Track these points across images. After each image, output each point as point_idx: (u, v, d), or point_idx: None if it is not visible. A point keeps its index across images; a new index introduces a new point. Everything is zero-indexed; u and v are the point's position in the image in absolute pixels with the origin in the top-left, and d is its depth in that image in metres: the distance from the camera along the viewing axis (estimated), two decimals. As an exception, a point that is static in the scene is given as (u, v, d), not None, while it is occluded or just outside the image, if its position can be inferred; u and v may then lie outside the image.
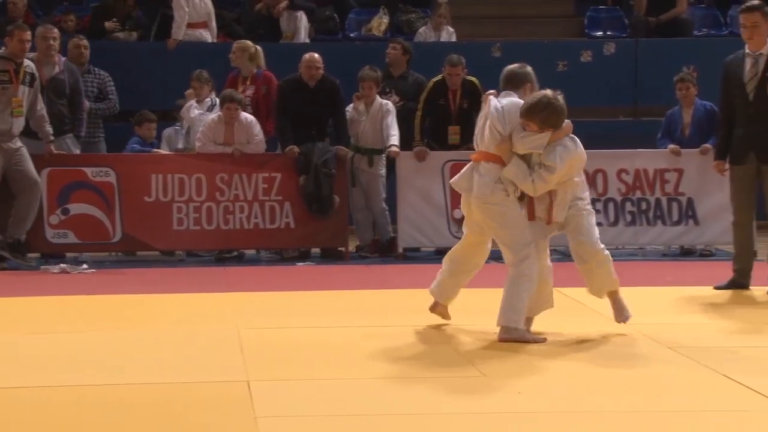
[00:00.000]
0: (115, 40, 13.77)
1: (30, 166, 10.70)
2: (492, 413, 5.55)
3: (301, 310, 8.41)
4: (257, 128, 11.34)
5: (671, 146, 11.30)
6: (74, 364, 6.62)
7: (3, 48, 10.87)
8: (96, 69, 11.97)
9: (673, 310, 7.64)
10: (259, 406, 5.62)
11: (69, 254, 11.28)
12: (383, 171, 11.54)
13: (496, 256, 7.76)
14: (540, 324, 7.43)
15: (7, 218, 10.68)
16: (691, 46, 13.80)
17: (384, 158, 11.47)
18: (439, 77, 11.49)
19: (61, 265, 10.60)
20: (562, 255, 11.52)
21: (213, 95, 11.81)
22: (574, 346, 7.03)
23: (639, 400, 5.80)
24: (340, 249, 11.42)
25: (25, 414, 5.57)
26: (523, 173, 7.06)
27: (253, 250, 11.72)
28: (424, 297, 8.92)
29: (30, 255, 10.90)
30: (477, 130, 7.38)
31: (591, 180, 11.29)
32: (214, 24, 13.72)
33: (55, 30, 11.52)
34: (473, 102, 11.48)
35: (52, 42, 11.19)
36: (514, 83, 7.35)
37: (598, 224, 11.19)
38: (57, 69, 11.22)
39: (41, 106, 10.79)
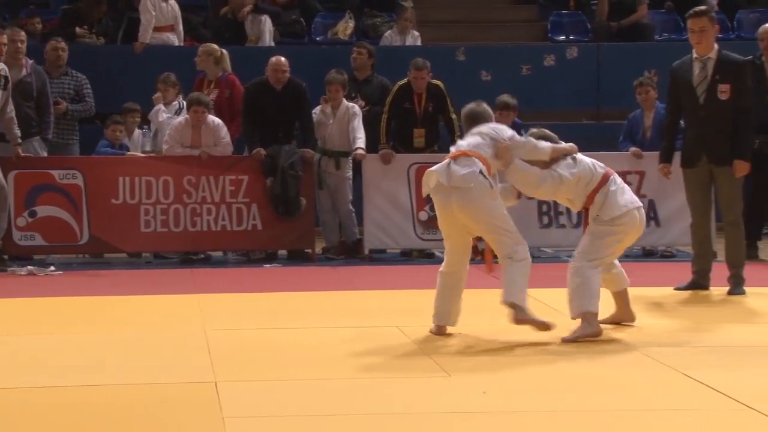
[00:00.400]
0: (82, 44, 13.70)
1: (-4, 170, 10.63)
2: (456, 413, 5.56)
3: (268, 311, 8.40)
4: (224, 131, 11.31)
5: (633, 149, 11.36)
6: (41, 366, 6.58)
7: None
8: (73, 71, 11.90)
9: (635, 310, 7.67)
10: (227, 406, 5.61)
11: (36, 256, 11.20)
12: (350, 173, 11.54)
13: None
14: (503, 324, 7.46)
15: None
16: (652, 51, 13.87)
17: (350, 161, 11.47)
18: (405, 81, 11.50)
19: (29, 267, 10.53)
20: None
21: (180, 98, 11.77)
22: (539, 346, 7.05)
23: (601, 398, 5.83)
24: (306, 251, 11.41)
25: (-7, 416, 5.53)
26: (530, 179, 7.18)
27: (220, 252, 11.69)
28: (390, 298, 8.95)
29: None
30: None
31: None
32: (180, 27, 13.67)
33: (23, 33, 11.45)
34: (438, 105, 11.51)
35: (19, 45, 11.12)
36: (478, 121, 7.39)
37: (562, 226, 11.45)
38: (24, 72, 11.15)
39: (11, 108, 10.72)
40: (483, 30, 15.16)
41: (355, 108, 11.49)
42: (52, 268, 10.58)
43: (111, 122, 11.79)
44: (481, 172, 7.10)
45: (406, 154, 11.46)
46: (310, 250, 11.39)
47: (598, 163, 7.39)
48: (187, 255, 11.34)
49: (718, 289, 8.96)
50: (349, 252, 11.48)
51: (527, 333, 7.29)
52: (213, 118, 11.30)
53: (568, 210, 11.35)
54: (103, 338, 7.43)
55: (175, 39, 13.56)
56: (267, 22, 13.91)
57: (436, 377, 6.26)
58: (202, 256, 11.44)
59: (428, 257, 11.49)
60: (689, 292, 8.89)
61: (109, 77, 13.01)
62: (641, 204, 7.45)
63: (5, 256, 10.81)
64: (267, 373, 6.38)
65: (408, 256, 11.60)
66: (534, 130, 7.57)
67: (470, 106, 7.63)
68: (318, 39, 14.42)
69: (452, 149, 7.39)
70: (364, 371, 6.41)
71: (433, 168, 7.28)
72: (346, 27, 14.31)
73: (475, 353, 6.83)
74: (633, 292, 7.69)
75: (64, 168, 11.10)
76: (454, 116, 11.49)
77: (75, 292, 9.36)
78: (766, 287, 9.11)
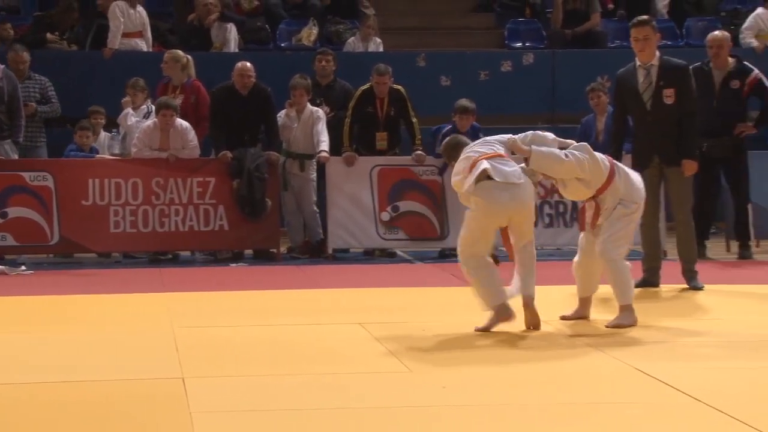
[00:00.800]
0: (53, 50, 13.62)
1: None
2: (416, 407, 5.57)
3: (234, 309, 8.38)
4: (192, 134, 11.29)
5: (586, 152, 11.39)
6: (11, 364, 6.54)
7: None
8: (36, 75, 11.85)
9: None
10: (194, 402, 5.59)
11: (8, 256, 11.13)
12: (314, 175, 11.55)
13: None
14: (463, 321, 7.48)
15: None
16: (604, 57, 13.94)
17: (315, 163, 11.47)
18: (367, 86, 11.52)
19: (0, 266, 10.46)
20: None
21: (149, 102, 11.73)
22: (498, 342, 7.07)
23: (555, 392, 5.85)
24: (272, 250, 11.40)
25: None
26: (554, 157, 7.19)
27: (188, 252, 11.65)
28: (352, 296, 8.95)
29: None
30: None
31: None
32: (149, 34, 13.62)
33: (-7, 39, 11.39)
34: (400, 109, 11.54)
35: (-10, 51, 11.05)
36: (457, 151, 7.41)
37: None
38: (-5, 77, 11.09)
39: None
40: (443, 37, 15.20)
41: (319, 112, 11.49)
42: (23, 267, 10.52)
43: (79, 128, 11.74)
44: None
45: (368, 157, 11.47)
46: (275, 250, 11.38)
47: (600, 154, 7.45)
48: (156, 255, 11.30)
49: (667, 286, 9.02)
50: (313, 251, 11.48)
51: (490, 330, 7.32)
52: (181, 122, 11.28)
53: (539, 209, 11.38)
54: (72, 336, 7.39)
55: (143, 45, 13.51)
56: (233, 30, 13.89)
57: (397, 373, 6.27)
58: (170, 255, 11.40)
59: (390, 256, 11.51)
60: (640, 289, 8.94)
61: (79, 82, 12.96)
62: None
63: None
64: (233, 369, 6.37)
65: (370, 256, 11.62)
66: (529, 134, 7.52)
67: (447, 140, 7.73)
68: (283, 45, 14.40)
69: (472, 154, 7.26)
70: (328, 367, 6.41)
71: (479, 168, 7.15)
72: (310, 34, 14.30)
73: (436, 350, 6.84)
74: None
75: (34, 170, 11.04)
76: (415, 120, 11.54)
77: (46, 291, 9.31)
78: (714, 284, 9.18)
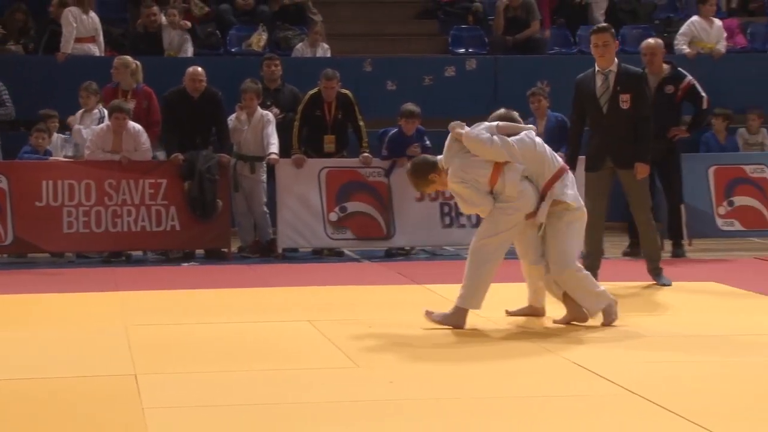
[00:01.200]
0: (7, 54, 13.46)
1: None
2: (364, 401, 5.56)
3: (186, 307, 8.32)
4: (144, 137, 11.22)
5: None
6: (-32, 362, 6.45)
7: None
8: None
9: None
10: (147, 398, 5.55)
11: (-38, 257, 10.99)
12: (264, 177, 11.51)
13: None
14: (408, 318, 7.49)
15: None
16: (545, 63, 14.03)
17: (264, 165, 11.43)
18: (315, 90, 11.49)
19: (-45, 267, 10.33)
20: (429, 254, 11.64)
21: (100, 106, 11.63)
22: (444, 338, 7.08)
23: (498, 386, 5.88)
24: (223, 250, 11.34)
25: None
26: (482, 140, 7.27)
27: (140, 252, 11.57)
28: (301, 294, 8.92)
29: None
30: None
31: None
32: (101, 39, 13.50)
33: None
34: (347, 113, 11.53)
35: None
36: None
37: (462, 226, 11.53)
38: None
39: None
40: (388, 43, 15.21)
41: (269, 115, 11.46)
42: (-22, 267, 10.39)
43: (35, 130, 11.61)
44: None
45: (317, 159, 11.45)
46: (226, 250, 11.33)
47: (557, 156, 7.46)
48: (109, 255, 11.21)
49: (604, 284, 9.05)
50: (263, 251, 11.44)
51: (436, 326, 7.33)
52: (133, 125, 11.20)
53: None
54: (25, 335, 7.29)
55: (96, 50, 13.40)
56: (183, 35, 13.80)
57: (345, 368, 6.26)
58: (123, 256, 11.31)
59: (338, 255, 11.50)
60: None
61: (33, 86, 12.81)
62: None
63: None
64: (185, 365, 6.33)
65: (319, 255, 11.59)
66: (502, 111, 7.54)
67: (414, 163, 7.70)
68: (233, 50, 14.33)
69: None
70: (278, 363, 6.39)
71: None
72: (259, 39, 14.25)
73: (383, 346, 6.84)
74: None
75: (-11, 172, 10.90)
76: (362, 123, 11.54)
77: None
78: (650, 281, 9.24)
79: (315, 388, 5.83)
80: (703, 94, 11.14)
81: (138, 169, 11.13)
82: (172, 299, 8.75)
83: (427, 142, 11.43)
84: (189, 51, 13.71)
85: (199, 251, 11.44)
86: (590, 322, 7.39)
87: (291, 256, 11.51)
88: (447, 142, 7.41)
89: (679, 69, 11.15)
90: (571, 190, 7.38)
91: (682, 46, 14.13)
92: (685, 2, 15.86)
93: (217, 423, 5.19)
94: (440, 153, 11.73)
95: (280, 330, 7.38)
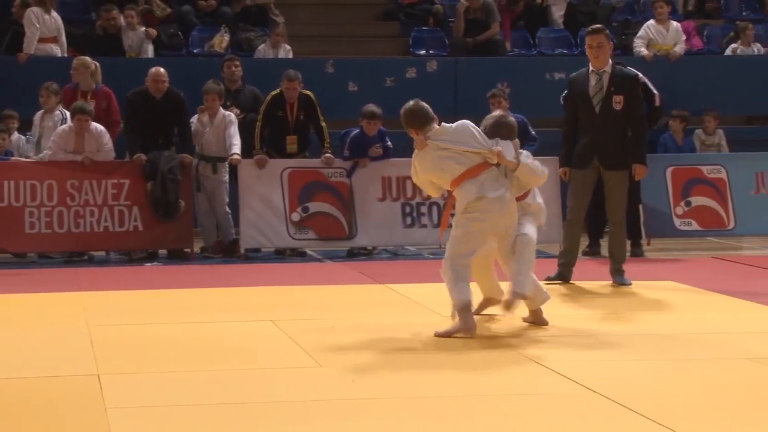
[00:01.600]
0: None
1: None
2: (327, 400, 5.55)
3: (149, 307, 8.27)
4: (107, 137, 11.16)
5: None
6: (-71, 363, 6.37)
7: None
8: None
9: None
10: (109, 398, 5.51)
11: (-77, 257, 10.86)
12: (226, 177, 11.46)
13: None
14: (370, 317, 7.47)
15: None
16: (504, 65, 14.08)
17: (227, 165, 11.38)
18: (278, 91, 11.46)
19: None
20: (391, 254, 11.64)
21: (61, 107, 11.53)
22: (405, 338, 7.07)
23: (461, 384, 5.88)
24: (185, 250, 11.29)
25: None
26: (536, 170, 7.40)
27: (102, 252, 11.48)
28: (264, 294, 8.89)
29: None
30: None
31: (416, 186, 11.40)
32: (63, 39, 13.40)
33: None
34: (309, 114, 11.51)
35: None
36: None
37: (423, 226, 11.54)
38: None
39: None
40: (350, 44, 15.19)
41: (231, 116, 11.42)
42: (-61, 268, 10.27)
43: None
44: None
45: (279, 159, 11.42)
46: (188, 250, 11.27)
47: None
48: (71, 255, 11.12)
49: (581, 282, 9.10)
50: (226, 251, 11.40)
51: (398, 325, 7.33)
52: (96, 125, 11.13)
53: (429, 211, 11.45)
54: (-11, 335, 7.22)
55: (58, 50, 13.30)
56: (143, 36, 13.73)
57: (308, 368, 6.24)
58: (86, 256, 11.23)
59: (300, 255, 11.47)
60: (556, 284, 9.00)
61: (-6, 86, 12.70)
62: None
63: None
64: (148, 365, 6.28)
65: (282, 255, 11.56)
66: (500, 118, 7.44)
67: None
68: (195, 51, 14.27)
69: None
70: (241, 363, 6.36)
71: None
72: (221, 40, 14.20)
73: (345, 345, 6.82)
74: (504, 286, 7.58)
75: (-50, 173, 10.78)
76: (324, 124, 11.51)
77: (-39, 291, 9.09)
78: (598, 281, 9.28)
79: (278, 387, 5.81)
80: (655, 91, 11.22)
81: (100, 170, 11.06)
82: (135, 299, 8.69)
83: (389, 143, 11.44)
84: (149, 52, 13.63)
85: (162, 251, 11.38)
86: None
87: (253, 256, 11.47)
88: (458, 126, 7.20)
89: (629, 68, 11.20)
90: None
91: (640, 48, 14.22)
92: (643, 5, 15.97)
93: (180, 423, 5.16)
94: (402, 155, 11.78)
95: (242, 330, 7.35)
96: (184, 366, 6.27)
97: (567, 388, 5.77)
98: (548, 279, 9.00)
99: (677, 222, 11.85)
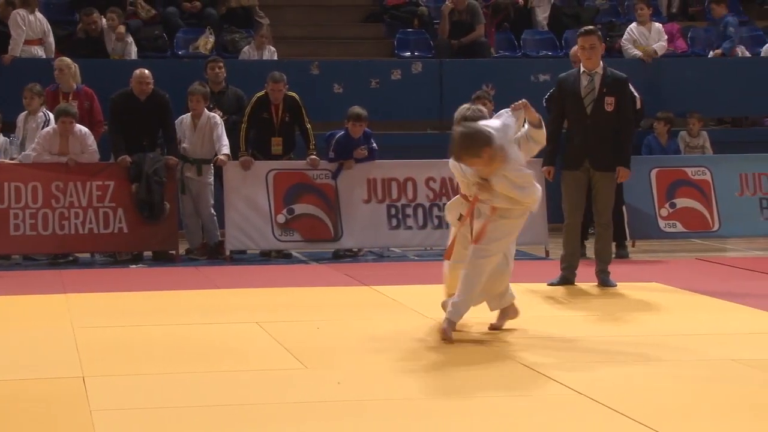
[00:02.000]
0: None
1: None
2: (312, 402, 5.54)
3: (134, 309, 8.25)
4: (91, 139, 11.14)
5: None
6: None
7: None
8: None
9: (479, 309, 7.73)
10: (94, 400, 5.49)
11: None
12: (211, 179, 11.45)
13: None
14: (356, 319, 7.47)
15: None
16: (489, 66, 14.09)
17: (212, 167, 11.37)
18: (263, 93, 11.45)
19: None
20: (376, 255, 11.64)
21: (44, 109, 11.49)
22: (391, 340, 7.07)
23: (445, 386, 5.88)
24: (170, 252, 11.27)
25: None
26: None
27: (87, 254, 11.45)
28: (249, 296, 8.88)
29: None
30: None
31: (402, 187, 11.45)
32: (50, 40, 13.36)
33: None
34: (294, 115, 11.50)
35: None
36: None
37: (409, 228, 11.54)
38: None
39: None
40: (335, 46, 15.19)
41: (216, 118, 11.40)
42: (-77, 270, 10.22)
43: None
44: None
45: (264, 161, 11.41)
46: (174, 252, 11.25)
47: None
48: (56, 257, 11.09)
49: (584, 284, 9.11)
50: (211, 253, 11.38)
51: (383, 327, 7.32)
52: (80, 127, 11.11)
53: (414, 213, 11.46)
54: (-27, 337, 7.19)
55: (42, 52, 13.25)
56: (129, 38, 13.70)
57: (293, 370, 6.23)
58: (71, 258, 11.19)
59: (286, 257, 11.46)
60: (560, 287, 8.99)
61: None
62: None
63: None
64: (133, 367, 6.27)
65: (267, 257, 11.54)
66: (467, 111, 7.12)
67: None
68: (180, 53, 14.25)
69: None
70: (226, 365, 6.35)
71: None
72: (206, 42, 14.17)
73: (331, 347, 6.82)
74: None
75: (-66, 174, 10.73)
76: (309, 126, 11.50)
77: (-55, 293, 9.05)
78: (583, 282, 9.29)
79: (263, 389, 5.80)
80: (636, 93, 11.24)
81: (85, 171, 11.03)
82: (120, 301, 8.67)
83: (374, 145, 11.44)
84: (133, 54, 13.60)
85: (147, 253, 11.35)
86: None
87: (239, 257, 11.45)
88: (505, 121, 6.97)
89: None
90: None
91: (631, 51, 14.21)
92: (627, 7, 16.00)
93: (165, 425, 5.15)
94: (387, 156, 11.79)
95: (228, 332, 7.34)
96: (169, 368, 6.26)
97: (554, 389, 5.78)
98: (551, 284, 9.01)
99: (662, 224, 11.88)
